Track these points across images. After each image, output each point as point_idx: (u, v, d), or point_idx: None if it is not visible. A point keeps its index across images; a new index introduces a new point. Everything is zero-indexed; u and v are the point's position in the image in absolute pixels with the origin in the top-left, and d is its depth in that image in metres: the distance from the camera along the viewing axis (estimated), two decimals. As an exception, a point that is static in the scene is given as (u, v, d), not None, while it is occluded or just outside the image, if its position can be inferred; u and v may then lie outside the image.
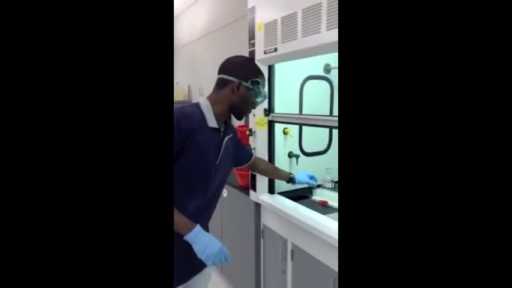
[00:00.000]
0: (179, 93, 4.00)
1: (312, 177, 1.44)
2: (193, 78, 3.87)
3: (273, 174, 1.50)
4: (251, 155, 1.39)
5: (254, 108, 1.17)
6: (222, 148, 1.10)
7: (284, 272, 1.53)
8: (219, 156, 1.09)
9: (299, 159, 1.73)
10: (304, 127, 1.74)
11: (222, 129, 1.11)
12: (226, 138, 1.12)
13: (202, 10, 3.48)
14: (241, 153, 1.32)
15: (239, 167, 1.38)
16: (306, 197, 1.66)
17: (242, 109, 1.12)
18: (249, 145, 1.64)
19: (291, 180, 1.44)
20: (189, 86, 3.99)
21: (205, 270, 1.20)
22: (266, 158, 1.61)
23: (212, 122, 1.06)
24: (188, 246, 0.96)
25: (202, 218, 1.09)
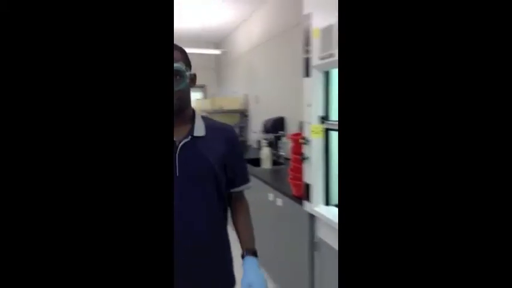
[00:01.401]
0: (235, 103, 4.09)
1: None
2: (250, 87, 3.94)
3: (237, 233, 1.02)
4: (233, 184, 0.99)
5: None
6: (177, 156, 0.86)
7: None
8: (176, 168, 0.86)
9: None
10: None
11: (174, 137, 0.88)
12: (183, 142, 0.87)
13: (258, 21, 3.54)
14: (229, 170, 0.97)
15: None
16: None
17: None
18: (302, 153, 1.59)
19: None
20: (245, 95, 4.07)
21: None
22: (321, 169, 1.54)
23: None
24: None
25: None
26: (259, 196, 2.29)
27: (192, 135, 0.89)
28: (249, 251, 0.93)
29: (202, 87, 5.22)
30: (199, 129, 0.91)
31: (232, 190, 1.00)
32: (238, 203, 1.03)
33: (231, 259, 1.02)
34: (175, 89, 0.82)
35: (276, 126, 2.96)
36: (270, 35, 3.28)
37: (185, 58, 0.87)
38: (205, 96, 5.15)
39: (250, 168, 2.55)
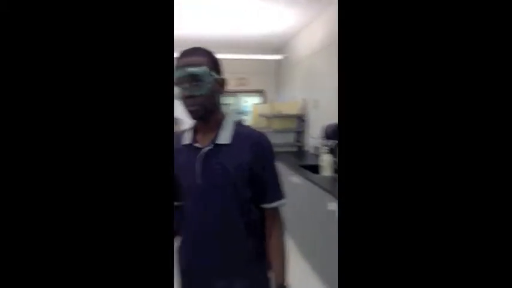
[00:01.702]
0: (293, 107, 4.04)
1: None
2: (309, 92, 3.87)
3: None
4: (263, 199, 0.89)
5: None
6: (200, 164, 0.84)
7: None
8: (198, 173, 0.84)
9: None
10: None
11: (198, 144, 0.86)
12: (206, 150, 0.84)
13: (320, 26, 3.48)
14: (257, 182, 0.87)
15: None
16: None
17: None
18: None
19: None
20: (304, 100, 4.00)
21: None
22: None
23: (187, 138, 0.89)
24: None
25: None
26: (317, 205, 2.20)
27: (215, 143, 0.84)
28: (279, 286, 0.85)
29: (261, 92, 5.28)
30: (225, 137, 0.85)
31: (262, 206, 0.89)
32: (270, 221, 0.90)
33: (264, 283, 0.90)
34: (195, 93, 0.78)
35: (337, 132, 2.85)
36: (331, 39, 3.20)
37: (211, 62, 0.82)
38: (264, 101, 5.19)
39: (307, 174, 2.48)
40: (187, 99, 0.80)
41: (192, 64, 0.78)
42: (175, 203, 0.92)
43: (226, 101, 5.34)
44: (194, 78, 0.78)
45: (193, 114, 0.82)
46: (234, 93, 5.20)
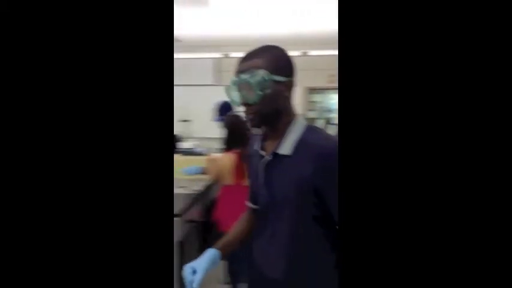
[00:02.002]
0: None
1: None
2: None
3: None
4: (331, 221, 0.74)
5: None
6: (262, 176, 0.79)
7: None
8: (262, 182, 0.79)
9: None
10: None
11: (263, 151, 0.80)
12: (267, 161, 0.78)
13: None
14: (321, 200, 0.73)
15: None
16: None
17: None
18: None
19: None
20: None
21: None
22: None
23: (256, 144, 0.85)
24: None
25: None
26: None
27: (275, 153, 0.76)
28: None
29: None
30: (286, 146, 0.75)
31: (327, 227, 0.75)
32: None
33: None
34: (249, 102, 0.72)
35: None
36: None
37: (272, 64, 0.72)
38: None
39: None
40: (244, 107, 0.75)
41: (247, 70, 0.72)
42: (253, 206, 0.91)
43: (314, 98, 5.27)
44: (248, 85, 0.71)
45: (250, 122, 0.76)
46: (324, 90, 5.09)
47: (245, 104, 0.73)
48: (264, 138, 0.82)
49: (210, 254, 0.80)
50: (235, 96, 0.75)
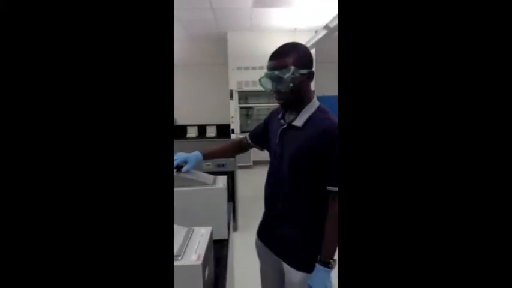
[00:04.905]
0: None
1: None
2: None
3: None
4: (322, 180, 1.01)
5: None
6: (277, 139, 1.10)
7: None
8: (277, 142, 1.10)
9: None
10: None
11: (285, 119, 1.10)
12: (282, 128, 1.08)
13: None
14: (319, 164, 1.00)
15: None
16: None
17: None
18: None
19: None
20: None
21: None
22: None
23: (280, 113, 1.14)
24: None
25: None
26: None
27: (290, 124, 1.05)
28: (321, 261, 1.00)
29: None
30: (299, 121, 1.04)
31: (327, 188, 1.01)
32: (329, 203, 1.02)
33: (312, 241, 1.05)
34: (280, 89, 0.99)
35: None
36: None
37: (297, 60, 0.97)
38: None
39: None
40: (275, 93, 1.03)
41: (278, 67, 0.97)
42: (249, 141, 1.30)
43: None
44: (279, 78, 0.97)
45: (280, 105, 1.08)
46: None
47: (277, 92, 1.01)
48: (285, 112, 1.11)
49: (196, 154, 1.21)
50: (269, 85, 1.01)
